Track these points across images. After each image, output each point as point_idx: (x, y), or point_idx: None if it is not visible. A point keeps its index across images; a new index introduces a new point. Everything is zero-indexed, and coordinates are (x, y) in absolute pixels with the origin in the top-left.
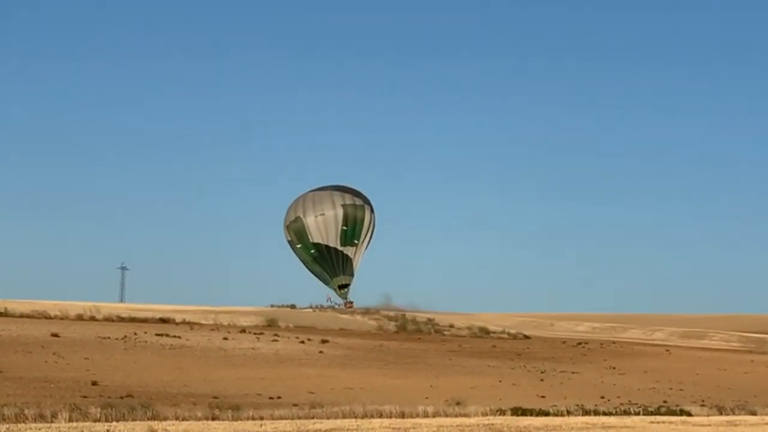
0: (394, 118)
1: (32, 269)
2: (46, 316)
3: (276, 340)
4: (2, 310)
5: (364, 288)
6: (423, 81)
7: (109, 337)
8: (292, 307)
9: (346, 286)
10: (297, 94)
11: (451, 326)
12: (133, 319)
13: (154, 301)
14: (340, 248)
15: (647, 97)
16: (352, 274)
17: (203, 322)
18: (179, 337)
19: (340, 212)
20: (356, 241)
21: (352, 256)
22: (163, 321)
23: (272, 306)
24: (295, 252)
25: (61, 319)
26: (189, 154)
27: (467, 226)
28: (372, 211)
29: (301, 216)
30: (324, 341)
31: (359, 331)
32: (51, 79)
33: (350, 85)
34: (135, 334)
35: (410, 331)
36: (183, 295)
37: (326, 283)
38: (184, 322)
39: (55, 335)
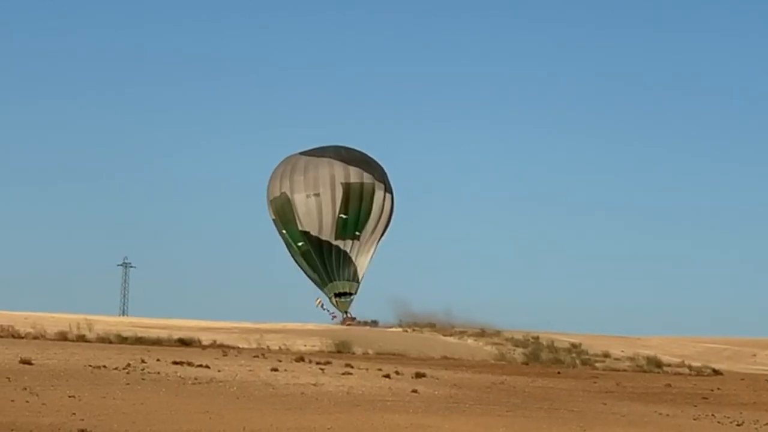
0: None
1: None
2: (12, 335)
3: (349, 373)
4: None
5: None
6: None
7: (104, 366)
8: (373, 324)
9: (346, 294)
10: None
11: (606, 355)
12: (140, 340)
13: (171, 314)
14: (334, 242)
15: None
16: (354, 279)
17: (243, 345)
18: (207, 366)
19: (339, 193)
20: (358, 233)
21: (352, 254)
22: (184, 343)
23: (343, 323)
24: (281, 237)
25: (35, 338)
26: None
27: (604, 202)
28: (387, 189)
29: (288, 192)
30: (419, 375)
31: (471, 361)
32: None
33: None
34: (143, 361)
35: (545, 362)
36: (212, 305)
37: (319, 287)
38: (214, 345)
39: (27, 362)
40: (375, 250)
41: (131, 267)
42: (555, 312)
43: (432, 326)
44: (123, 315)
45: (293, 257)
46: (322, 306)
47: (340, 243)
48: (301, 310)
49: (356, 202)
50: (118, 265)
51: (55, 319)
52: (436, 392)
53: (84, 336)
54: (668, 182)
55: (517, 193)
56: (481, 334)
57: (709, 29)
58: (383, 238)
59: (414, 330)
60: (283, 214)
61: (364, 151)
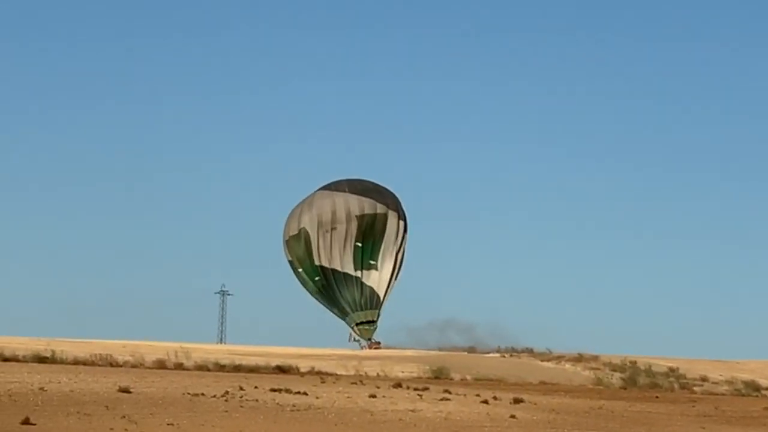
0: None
1: (91, 296)
2: (111, 363)
3: (447, 399)
4: (48, 355)
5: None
6: None
7: (203, 394)
8: (471, 350)
9: (370, 322)
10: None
11: (704, 379)
12: (237, 368)
13: (268, 342)
14: (353, 273)
15: None
16: (375, 307)
17: (341, 372)
18: (306, 393)
19: (354, 226)
20: (372, 262)
21: (371, 283)
22: (282, 370)
23: (441, 350)
24: (298, 278)
25: (134, 366)
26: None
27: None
28: (401, 217)
29: (307, 226)
30: (517, 401)
31: (568, 386)
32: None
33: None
34: (241, 389)
35: (643, 386)
36: (311, 332)
37: (341, 319)
38: (312, 372)
39: (125, 390)
40: (395, 276)
41: (228, 295)
42: (652, 336)
43: (530, 351)
44: (220, 343)
45: (312, 295)
46: (353, 338)
47: (358, 273)
48: (400, 335)
49: (370, 232)
50: (215, 292)
51: (153, 348)
52: (535, 417)
53: (182, 364)
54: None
55: (599, 216)
56: (579, 359)
57: (706, 37)
58: (402, 263)
59: (512, 355)
60: (300, 251)
61: (375, 180)
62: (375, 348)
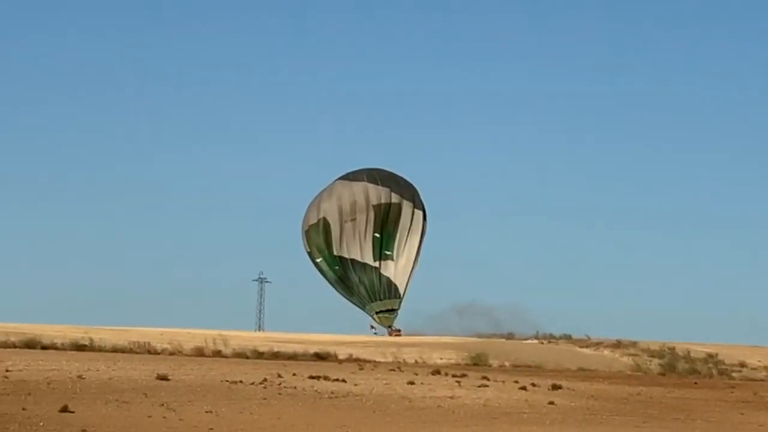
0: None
1: (129, 284)
2: (149, 351)
3: (485, 386)
4: (86, 342)
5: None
6: None
7: (241, 381)
8: (509, 336)
9: (390, 311)
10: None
11: (742, 365)
12: (276, 355)
13: (306, 329)
14: (372, 264)
15: None
16: (396, 296)
17: (379, 359)
18: (344, 381)
19: (372, 215)
20: (388, 253)
21: (388, 273)
22: (320, 357)
23: (479, 336)
24: (317, 268)
25: (172, 354)
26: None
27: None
28: (417, 206)
29: (326, 216)
30: (556, 387)
31: (607, 373)
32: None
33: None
34: (279, 376)
35: (682, 372)
36: (349, 319)
37: (360, 308)
38: (350, 359)
39: (163, 378)
40: (412, 266)
41: (267, 282)
42: (691, 322)
43: (568, 338)
44: (259, 330)
45: (331, 284)
46: (373, 328)
47: (376, 264)
48: (438, 322)
49: (386, 222)
50: (253, 280)
51: (192, 335)
52: (573, 404)
53: (220, 351)
54: None
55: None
56: (617, 345)
57: (712, 25)
58: (419, 253)
59: (550, 342)
60: (319, 240)
61: (395, 167)
62: (396, 335)
